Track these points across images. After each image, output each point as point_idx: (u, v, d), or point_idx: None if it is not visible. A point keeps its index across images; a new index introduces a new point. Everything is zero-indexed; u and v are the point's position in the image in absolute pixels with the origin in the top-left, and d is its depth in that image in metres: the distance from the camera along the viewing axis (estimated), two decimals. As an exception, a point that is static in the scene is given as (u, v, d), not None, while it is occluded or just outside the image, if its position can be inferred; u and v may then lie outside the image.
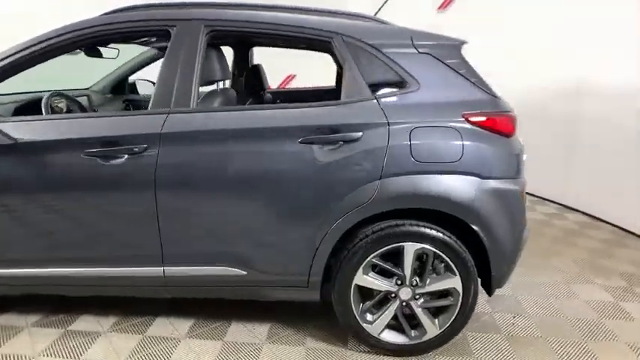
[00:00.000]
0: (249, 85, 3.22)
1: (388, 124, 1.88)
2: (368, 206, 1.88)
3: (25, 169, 1.92)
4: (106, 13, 2.07)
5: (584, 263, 3.19)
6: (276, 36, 2.03)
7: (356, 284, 1.99)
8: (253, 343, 2.18)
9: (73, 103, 2.54)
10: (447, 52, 2.01)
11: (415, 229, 1.92)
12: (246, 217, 1.94)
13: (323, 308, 2.20)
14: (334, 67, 3.06)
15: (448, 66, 1.99)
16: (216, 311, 2.41)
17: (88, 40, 1.99)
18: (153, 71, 2.49)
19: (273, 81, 5.23)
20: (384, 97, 1.94)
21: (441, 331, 2.04)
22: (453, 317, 2.03)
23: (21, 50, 1.94)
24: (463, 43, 2.05)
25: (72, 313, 2.38)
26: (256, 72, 3.26)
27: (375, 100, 1.92)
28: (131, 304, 2.42)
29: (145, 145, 1.86)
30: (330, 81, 3.35)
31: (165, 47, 1.99)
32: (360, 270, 1.97)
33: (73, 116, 2.30)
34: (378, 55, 1.97)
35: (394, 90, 1.96)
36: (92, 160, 1.87)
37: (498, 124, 1.94)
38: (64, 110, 2.45)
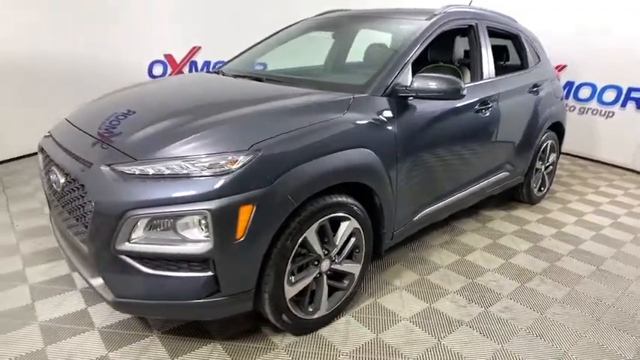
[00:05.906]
0: None
1: (547, 80, 3.65)
2: (546, 124, 3.64)
3: (452, 126, 2.64)
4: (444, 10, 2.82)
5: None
6: (501, 30, 3.35)
7: (536, 168, 3.73)
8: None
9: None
10: (538, 41, 3.89)
11: (552, 133, 3.81)
12: (514, 137, 3.33)
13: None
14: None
15: (542, 49, 3.89)
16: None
17: (447, 30, 2.76)
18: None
19: (179, 52, 5.72)
20: (538, 67, 3.67)
21: (545, 191, 4.05)
22: (550, 179, 4.07)
23: (424, 38, 2.56)
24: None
25: None
26: None
27: (538, 69, 3.63)
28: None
29: (496, 101, 2.95)
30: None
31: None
32: (538, 160, 3.71)
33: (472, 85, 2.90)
34: (531, 44, 3.65)
35: (535, 64, 3.71)
36: (476, 114, 2.81)
37: (559, 77, 4.03)
38: None
